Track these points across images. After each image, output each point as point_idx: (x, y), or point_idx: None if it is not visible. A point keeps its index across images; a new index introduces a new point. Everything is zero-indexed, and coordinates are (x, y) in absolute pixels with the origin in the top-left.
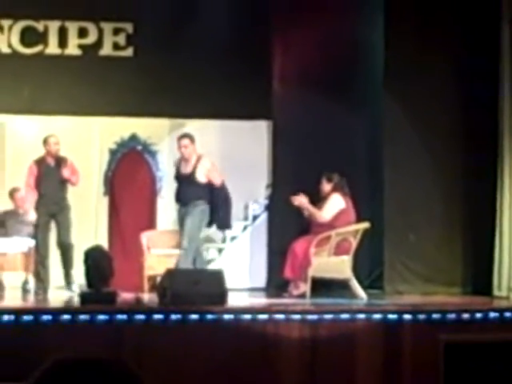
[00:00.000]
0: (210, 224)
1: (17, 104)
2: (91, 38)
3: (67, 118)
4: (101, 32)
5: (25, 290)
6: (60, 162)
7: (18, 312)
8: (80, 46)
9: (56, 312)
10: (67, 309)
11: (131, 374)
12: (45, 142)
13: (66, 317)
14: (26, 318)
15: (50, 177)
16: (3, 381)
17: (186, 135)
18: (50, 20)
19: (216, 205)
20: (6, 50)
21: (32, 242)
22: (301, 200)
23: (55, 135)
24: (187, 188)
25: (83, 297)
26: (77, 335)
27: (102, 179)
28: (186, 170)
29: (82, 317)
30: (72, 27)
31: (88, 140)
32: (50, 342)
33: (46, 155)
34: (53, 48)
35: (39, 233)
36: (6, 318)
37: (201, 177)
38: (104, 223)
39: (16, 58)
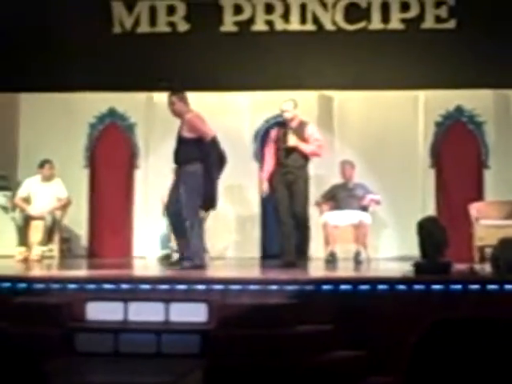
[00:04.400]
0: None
1: (343, 79)
2: (413, 12)
3: (392, 92)
4: (422, 5)
5: (357, 262)
6: (299, 128)
7: (349, 282)
8: (402, 21)
9: (392, 282)
10: (403, 279)
11: None
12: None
13: (402, 286)
14: (362, 287)
15: (285, 146)
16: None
17: (173, 93)
18: None
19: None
20: (330, 27)
21: (363, 215)
22: None
23: (291, 100)
24: (178, 148)
25: (418, 267)
26: (412, 304)
27: (429, 152)
28: (179, 128)
29: (417, 286)
30: (394, 2)
31: (413, 113)
32: (386, 311)
33: (286, 120)
34: (376, 23)
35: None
36: (343, 287)
37: (185, 132)
38: (431, 195)
39: (340, 34)
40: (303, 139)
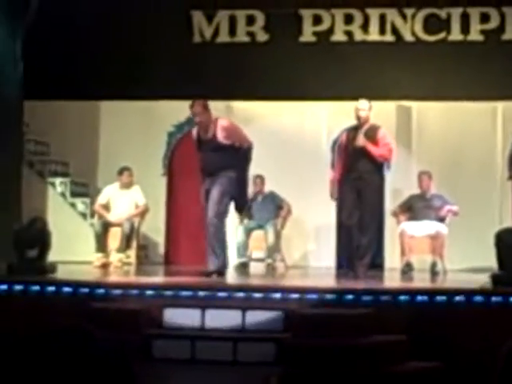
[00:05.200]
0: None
1: (422, 90)
2: (493, 23)
3: (470, 104)
4: (503, 17)
5: (433, 273)
6: (370, 130)
7: (425, 292)
8: (482, 32)
9: (469, 293)
10: (480, 290)
11: None
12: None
13: (478, 298)
14: (439, 298)
15: (354, 147)
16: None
17: (196, 102)
18: (453, 7)
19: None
20: (409, 37)
21: (440, 226)
22: None
23: (365, 101)
24: (210, 155)
25: (495, 278)
26: (489, 316)
27: (507, 163)
28: (207, 136)
29: (495, 298)
30: (474, 13)
31: (492, 124)
32: (463, 322)
33: (359, 123)
34: (456, 34)
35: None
36: (419, 298)
37: (222, 139)
38: (509, 206)
39: (419, 45)
40: (374, 142)
